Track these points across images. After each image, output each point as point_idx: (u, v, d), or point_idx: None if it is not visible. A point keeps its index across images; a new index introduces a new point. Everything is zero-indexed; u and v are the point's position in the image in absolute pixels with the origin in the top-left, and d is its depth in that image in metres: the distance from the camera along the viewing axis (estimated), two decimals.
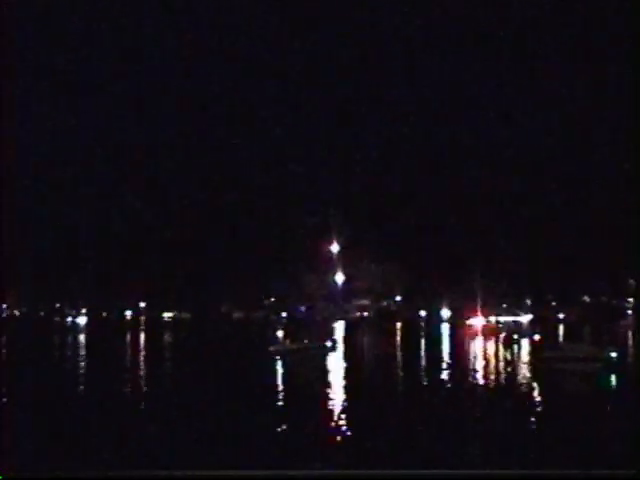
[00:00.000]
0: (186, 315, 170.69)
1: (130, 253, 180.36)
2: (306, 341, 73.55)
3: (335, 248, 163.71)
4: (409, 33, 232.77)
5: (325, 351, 70.99)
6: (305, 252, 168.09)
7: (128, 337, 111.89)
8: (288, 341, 73.82)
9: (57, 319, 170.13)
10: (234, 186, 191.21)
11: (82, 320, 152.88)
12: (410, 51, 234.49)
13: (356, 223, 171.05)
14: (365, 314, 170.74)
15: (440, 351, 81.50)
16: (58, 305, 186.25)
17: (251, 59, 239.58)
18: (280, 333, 75.27)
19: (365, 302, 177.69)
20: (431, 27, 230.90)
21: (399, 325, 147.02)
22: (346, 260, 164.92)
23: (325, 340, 73.45)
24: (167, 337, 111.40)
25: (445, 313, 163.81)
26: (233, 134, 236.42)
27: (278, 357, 68.03)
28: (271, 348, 71.55)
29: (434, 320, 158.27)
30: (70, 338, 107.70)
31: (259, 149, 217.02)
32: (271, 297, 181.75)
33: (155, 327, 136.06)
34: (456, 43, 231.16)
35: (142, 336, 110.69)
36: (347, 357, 71.40)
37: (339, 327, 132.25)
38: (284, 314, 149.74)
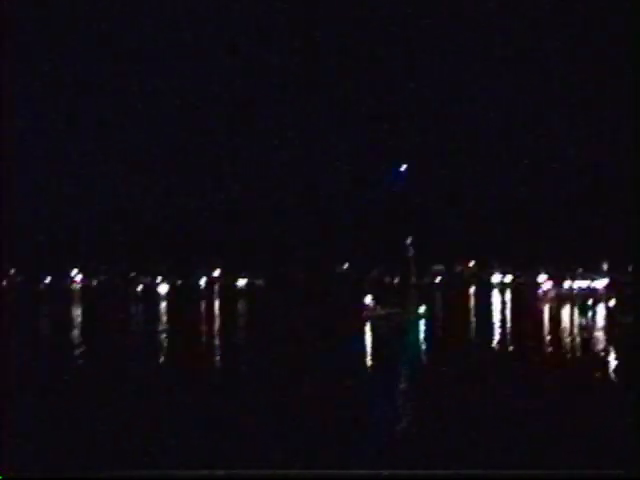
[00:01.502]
0: (260, 282, 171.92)
1: (204, 221, 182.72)
2: (397, 307, 74.01)
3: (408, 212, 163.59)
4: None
5: (417, 316, 71.45)
6: (376, 216, 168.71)
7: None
8: (379, 307, 74.37)
9: (133, 287, 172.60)
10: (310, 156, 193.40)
11: (163, 289, 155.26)
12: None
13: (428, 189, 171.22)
14: (439, 279, 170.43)
15: (514, 316, 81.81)
16: (133, 274, 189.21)
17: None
18: (369, 298, 75.75)
19: (439, 267, 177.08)
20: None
21: (472, 290, 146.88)
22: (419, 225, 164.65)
23: (417, 305, 73.82)
24: (248, 304, 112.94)
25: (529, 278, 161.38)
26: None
27: (373, 322, 68.82)
28: (364, 314, 72.33)
29: (507, 285, 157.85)
30: (152, 306, 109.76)
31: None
32: (344, 263, 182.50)
33: (232, 294, 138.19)
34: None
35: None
36: (434, 322, 72.01)
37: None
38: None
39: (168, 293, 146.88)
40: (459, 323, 71.83)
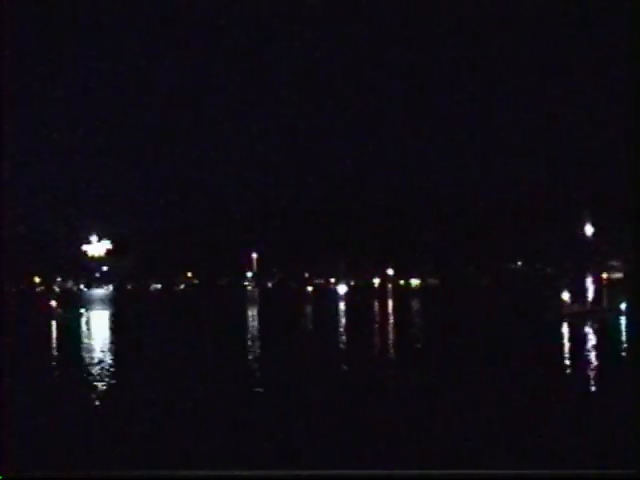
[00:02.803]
0: (433, 281, 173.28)
1: (375, 222, 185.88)
2: (595, 304, 74.14)
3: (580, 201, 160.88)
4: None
5: (618, 313, 71.21)
6: (544, 208, 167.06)
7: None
8: (576, 305, 74.65)
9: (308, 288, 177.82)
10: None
11: (341, 289, 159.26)
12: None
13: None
14: (615, 275, 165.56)
15: None
16: (307, 275, 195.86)
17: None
18: (566, 295, 75.93)
19: (614, 263, 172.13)
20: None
21: None
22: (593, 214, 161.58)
23: (616, 302, 73.50)
24: (431, 303, 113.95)
25: None
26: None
27: (569, 320, 69.20)
28: (561, 311, 72.85)
29: None
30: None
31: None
32: (518, 261, 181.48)
33: (410, 292, 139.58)
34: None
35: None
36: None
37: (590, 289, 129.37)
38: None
39: (346, 293, 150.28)
40: None
